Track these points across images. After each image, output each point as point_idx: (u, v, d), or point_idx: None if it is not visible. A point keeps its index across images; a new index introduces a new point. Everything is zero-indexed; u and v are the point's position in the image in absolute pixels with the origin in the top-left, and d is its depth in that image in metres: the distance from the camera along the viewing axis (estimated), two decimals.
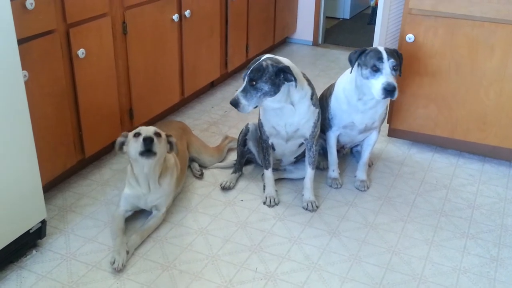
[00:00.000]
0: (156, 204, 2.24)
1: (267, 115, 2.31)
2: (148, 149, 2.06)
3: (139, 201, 2.23)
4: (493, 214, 2.40)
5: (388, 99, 2.42)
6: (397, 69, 2.25)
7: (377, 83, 2.22)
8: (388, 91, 2.21)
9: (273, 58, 2.17)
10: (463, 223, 2.33)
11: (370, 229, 2.28)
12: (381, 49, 2.26)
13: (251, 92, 2.12)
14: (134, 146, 2.11)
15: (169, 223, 2.29)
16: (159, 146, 2.11)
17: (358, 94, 2.36)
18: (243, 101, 2.12)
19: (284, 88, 2.15)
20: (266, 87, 2.11)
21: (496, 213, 2.41)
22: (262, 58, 2.16)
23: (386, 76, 2.22)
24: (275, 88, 2.13)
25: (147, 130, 2.13)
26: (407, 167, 2.79)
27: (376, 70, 2.23)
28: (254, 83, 2.11)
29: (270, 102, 2.16)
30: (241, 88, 2.14)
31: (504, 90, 2.60)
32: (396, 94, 2.23)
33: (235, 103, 2.13)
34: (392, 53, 2.26)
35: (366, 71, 2.26)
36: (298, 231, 2.26)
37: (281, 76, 2.13)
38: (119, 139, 2.19)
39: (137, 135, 2.12)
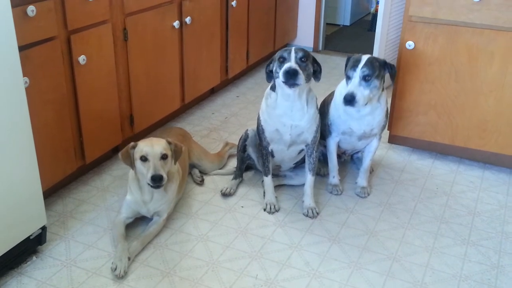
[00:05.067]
0: (158, 210, 2.24)
1: (273, 116, 2.30)
2: (156, 185, 2.09)
3: (141, 208, 2.23)
4: (494, 221, 2.40)
5: (385, 106, 2.42)
6: (370, 80, 2.25)
7: (345, 90, 2.28)
8: (347, 100, 2.25)
9: None
10: (464, 230, 2.33)
11: (371, 236, 2.28)
12: (364, 57, 2.28)
13: (302, 66, 2.14)
14: (141, 169, 2.11)
15: (169, 229, 2.29)
16: (167, 168, 2.14)
17: None
18: (299, 70, 2.11)
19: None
20: (311, 69, 2.20)
21: (496, 220, 2.41)
22: (293, 48, 2.19)
23: (351, 85, 2.26)
24: (311, 74, 2.21)
25: (154, 155, 2.09)
26: (407, 173, 2.79)
27: (348, 78, 2.30)
28: (304, 59, 2.16)
29: (291, 92, 2.20)
30: (291, 61, 2.12)
31: (504, 97, 2.61)
32: (356, 103, 2.24)
33: (293, 71, 2.09)
34: (371, 62, 2.25)
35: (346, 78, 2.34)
36: (298, 237, 2.26)
37: (315, 64, 2.23)
38: (131, 151, 2.13)
39: (144, 158, 2.10)
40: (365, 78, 2.24)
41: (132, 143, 2.16)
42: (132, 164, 2.14)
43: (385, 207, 2.49)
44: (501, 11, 2.45)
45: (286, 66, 2.13)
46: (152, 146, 2.11)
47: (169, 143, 2.19)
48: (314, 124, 2.33)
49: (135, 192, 2.21)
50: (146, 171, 2.09)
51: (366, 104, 2.30)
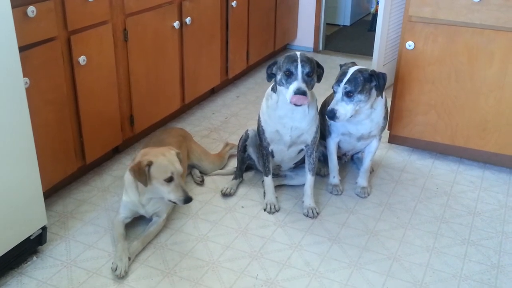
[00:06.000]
0: (157, 211, 2.24)
1: (274, 117, 2.30)
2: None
3: (139, 209, 2.23)
4: (494, 221, 2.40)
5: (382, 109, 2.42)
6: (352, 96, 2.25)
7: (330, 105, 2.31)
8: (329, 116, 2.29)
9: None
10: (464, 230, 2.33)
11: (371, 236, 2.28)
12: (350, 71, 2.27)
13: (307, 81, 2.14)
14: (162, 189, 2.09)
15: (169, 229, 2.29)
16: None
17: None
18: (307, 91, 2.12)
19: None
20: (315, 80, 2.21)
21: (496, 220, 2.41)
22: (298, 53, 2.18)
23: (333, 101, 2.29)
24: (315, 84, 2.21)
25: (177, 173, 2.08)
26: (407, 173, 2.80)
27: (334, 92, 2.32)
28: (311, 74, 2.15)
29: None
30: (298, 80, 2.12)
31: (504, 97, 2.61)
32: (338, 119, 2.27)
33: (303, 92, 2.09)
34: (354, 78, 2.24)
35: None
36: (298, 237, 2.26)
37: (318, 69, 2.23)
38: (146, 169, 2.07)
39: (170, 179, 2.07)
40: (348, 94, 2.25)
41: (146, 161, 2.07)
42: (146, 182, 2.07)
43: (385, 207, 2.49)
44: (502, 11, 2.45)
45: (294, 87, 2.10)
46: (172, 164, 2.08)
47: (178, 153, 2.19)
48: (314, 126, 2.33)
49: (132, 195, 2.20)
50: (168, 191, 2.08)
51: (350, 117, 2.31)
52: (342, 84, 2.25)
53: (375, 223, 2.37)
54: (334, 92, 2.30)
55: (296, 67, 2.12)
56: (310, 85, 2.16)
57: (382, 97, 2.39)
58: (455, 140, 2.80)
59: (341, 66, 2.38)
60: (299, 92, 2.10)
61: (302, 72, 2.12)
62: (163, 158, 2.10)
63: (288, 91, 2.13)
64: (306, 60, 2.14)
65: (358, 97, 2.26)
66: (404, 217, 2.42)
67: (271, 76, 2.28)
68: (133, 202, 2.21)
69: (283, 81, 2.16)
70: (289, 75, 2.14)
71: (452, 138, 2.80)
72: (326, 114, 2.30)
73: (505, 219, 2.42)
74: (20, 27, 1.97)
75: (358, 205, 2.51)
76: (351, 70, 2.27)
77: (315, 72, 2.18)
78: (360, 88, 2.25)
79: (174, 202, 2.13)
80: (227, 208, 2.46)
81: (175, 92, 3.15)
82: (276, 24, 4.30)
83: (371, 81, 2.28)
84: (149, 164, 2.07)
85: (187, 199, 2.09)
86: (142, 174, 2.06)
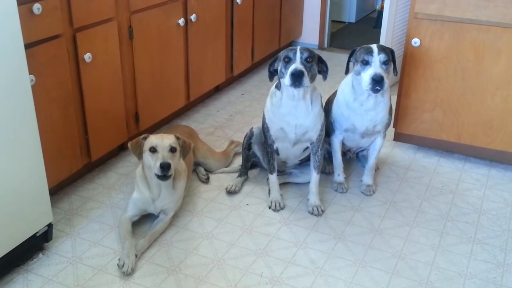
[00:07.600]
0: (165, 208, 2.25)
1: (278, 115, 2.30)
2: (164, 174, 2.09)
3: (149, 206, 2.24)
4: (500, 219, 2.39)
5: (388, 102, 2.42)
6: (388, 63, 2.27)
7: (366, 75, 2.26)
8: (376, 81, 2.23)
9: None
10: (470, 228, 2.32)
11: (376, 234, 2.27)
12: (373, 45, 2.29)
13: (307, 67, 2.15)
14: (149, 160, 2.13)
15: (174, 227, 2.29)
16: (175, 162, 2.15)
17: (354, 95, 2.39)
18: (305, 71, 2.12)
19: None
20: (316, 69, 2.20)
21: (502, 218, 2.40)
22: (298, 47, 2.19)
23: (374, 67, 2.25)
24: (316, 74, 2.22)
25: (163, 147, 2.11)
26: (413, 171, 2.79)
27: (366, 63, 2.27)
28: (310, 60, 2.16)
29: (296, 92, 2.21)
30: (296, 62, 2.12)
31: (510, 94, 2.59)
32: (385, 85, 2.24)
33: (299, 73, 2.09)
34: (383, 49, 2.28)
35: (358, 67, 2.31)
36: (303, 235, 2.26)
37: (321, 64, 2.24)
38: (142, 142, 2.16)
39: (153, 150, 2.11)
40: (385, 62, 2.26)
41: (144, 135, 2.18)
42: (140, 155, 2.16)
43: (391, 205, 2.49)
44: (508, 7, 2.44)
45: (292, 68, 2.12)
46: (162, 139, 2.13)
47: (178, 138, 2.20)
48: (318, 123, 2.33)
49: (143, 189, 2.21)
50: (154, 163, 2.10)
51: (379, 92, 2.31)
52: (376, 54, 2.25)
53: (380, 221, 2.36)
54: (366, 64, 2.27)
55: (295, 53, 2.15)
56: (309, 71, 2.16)
57: (395, 74, 2.41)
58: (461, 138, 2.79)
59: (354, 49, 2.37)
60: (296, 72, 2.10)
61: (301, 57, 2.14)
62: (158, 135, 2.17)
63: (286, 77, 2.14)
64: (306, 49, 2.17)
65: (390, 67, 2.30)
66: (410, 215, 2.41)
67: (273, 74, 2.28)
68: (144, 198, 2.22)
69: (283, 70, 2.17)
70: (288, 61, 2.16)
71: (458, 136, 2.79)
72: (372, 79, 2.22)
73: (511, 217, 2.41)
74: (25, 24, 1.97)
75: (363, 203, 2.50)
76: (374, 45, 2.30)
77: (314, 60, 2.19)
78: (392, 58, 2.29)
79: (157, 175, 2.11)
80: (232, 205, 2.46)
81: (180, 89, 3.15)
82: (281, 21, 4.29)
83: (392, 53, 2.33)
84: (145, 137, 2.17)
85: (162, 164, 2.06)
86: (137, 147, 2.16)
